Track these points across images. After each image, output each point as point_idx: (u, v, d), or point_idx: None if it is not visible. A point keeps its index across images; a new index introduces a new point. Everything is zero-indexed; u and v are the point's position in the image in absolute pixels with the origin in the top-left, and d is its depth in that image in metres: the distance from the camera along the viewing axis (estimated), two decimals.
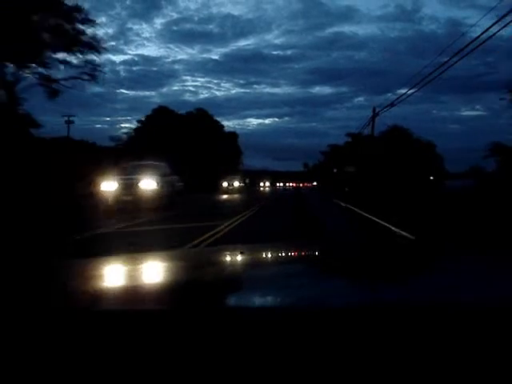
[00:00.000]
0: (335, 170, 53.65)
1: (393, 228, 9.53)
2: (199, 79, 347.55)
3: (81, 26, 23.66)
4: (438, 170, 47.36)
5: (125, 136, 52.58)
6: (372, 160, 37.65)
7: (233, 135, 65.09)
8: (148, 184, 14.53)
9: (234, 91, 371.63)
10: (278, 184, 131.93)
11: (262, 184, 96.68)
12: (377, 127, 39.38)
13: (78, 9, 23.32)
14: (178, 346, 0.74)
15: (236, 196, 31.29)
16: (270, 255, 1.76)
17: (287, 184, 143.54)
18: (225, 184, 39.67)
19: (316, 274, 1.34)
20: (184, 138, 54.50)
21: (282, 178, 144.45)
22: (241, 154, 72.88)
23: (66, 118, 57.58)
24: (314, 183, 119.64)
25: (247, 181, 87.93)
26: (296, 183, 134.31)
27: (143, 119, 58.13)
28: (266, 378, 0.69)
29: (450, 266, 1.39)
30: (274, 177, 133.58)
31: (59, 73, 24.02)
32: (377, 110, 31.80)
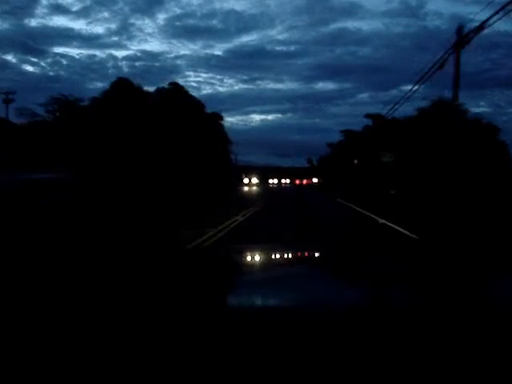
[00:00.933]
0: (356, 161, 39.37)
1: None
2: (202, 75, 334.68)
3: None
4: (503, 163, 33.44)
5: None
6: (426, 146, 24.21)
7: (216, 117, 50.54)
8: None
9: (236, 87, 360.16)
10: (271, 181, 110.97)
11: (246, 181, 71.24)
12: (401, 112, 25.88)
13: None
14: (185, 345, 0.79)
15: None
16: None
17: (284, 181, 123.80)
18: None
19: None
20: (147, 122, 40.33)
21: (283, 174, 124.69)
22: (229, 143, 58.19)
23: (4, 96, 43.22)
24: (314, 180, 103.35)
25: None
26: (299, 180, 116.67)
27: (99, 96, 43.59)
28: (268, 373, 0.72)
29: None
30: (274, 173, 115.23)
31: None
32: (468, 27, 16.99)
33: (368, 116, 42.89)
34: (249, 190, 46.26)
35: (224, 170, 53.12)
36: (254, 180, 76.47)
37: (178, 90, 48.26)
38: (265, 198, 29.94)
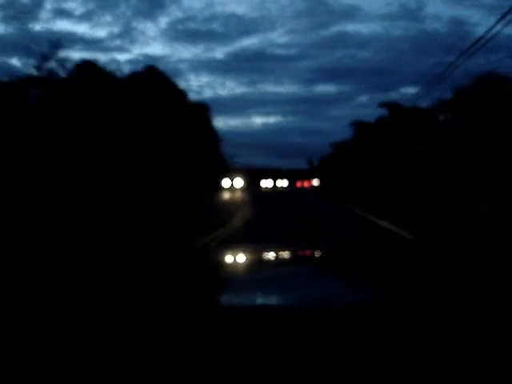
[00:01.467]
0: (375, 157, 31.20)
1: None
2: (203, 79, 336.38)
3: None
4: None
5: None
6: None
7: (201, 109, 42.62)
8: None
9: (238, 90, 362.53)
10: (263, 184, 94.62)
11: (225, 184, 48.94)
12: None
13: None
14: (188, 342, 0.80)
15: None
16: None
17: (280, 183, 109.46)
18: None
19: None
20: (113, 109, 32.72)
21: (280, 175, 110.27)
22: (218, 140, 50.06)
23: None
24: (315, 182, 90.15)
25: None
26: (300, 182, 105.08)
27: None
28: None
29: None
30: (268, 174, 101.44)
31: None
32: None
33: (384, 105, 35.09)
34: (229, 199, 33.43)
35: (213, 172, 45.07)
36: (238, 183, 52.27)
37: (154, 75, 40.38)
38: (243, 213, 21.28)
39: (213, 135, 48.52)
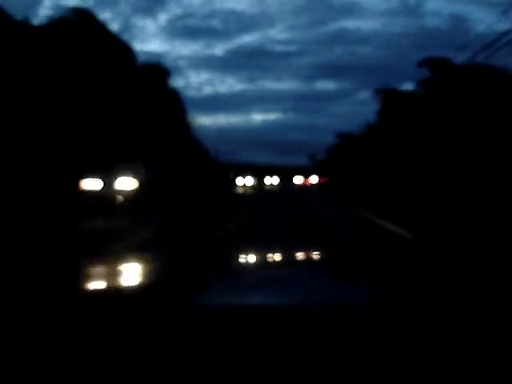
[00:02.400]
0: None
1: None
2: (203, 76, 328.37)
3: None
4: None
5: None
6: None
7: (156, 70, 30.07)
8: None
9: (237, 87, 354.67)
10: (240, 182, 64.86)
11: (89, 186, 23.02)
12: None
13: None
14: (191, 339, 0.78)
15: None
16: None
17: (269, 181, 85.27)
18: None
19: None
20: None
21: (275, 172, 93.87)
22: (188, 123, 37.21)
23: None
24: (319, 180, 73.31)
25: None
26: (299, 179, 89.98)
27: None
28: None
29: None
30: (260, 171, 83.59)
31: None
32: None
33: (425, 63, 23.44)
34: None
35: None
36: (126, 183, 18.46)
37: (86, 24, 27.83)
38: None
39: (181, 111, 35.85)
